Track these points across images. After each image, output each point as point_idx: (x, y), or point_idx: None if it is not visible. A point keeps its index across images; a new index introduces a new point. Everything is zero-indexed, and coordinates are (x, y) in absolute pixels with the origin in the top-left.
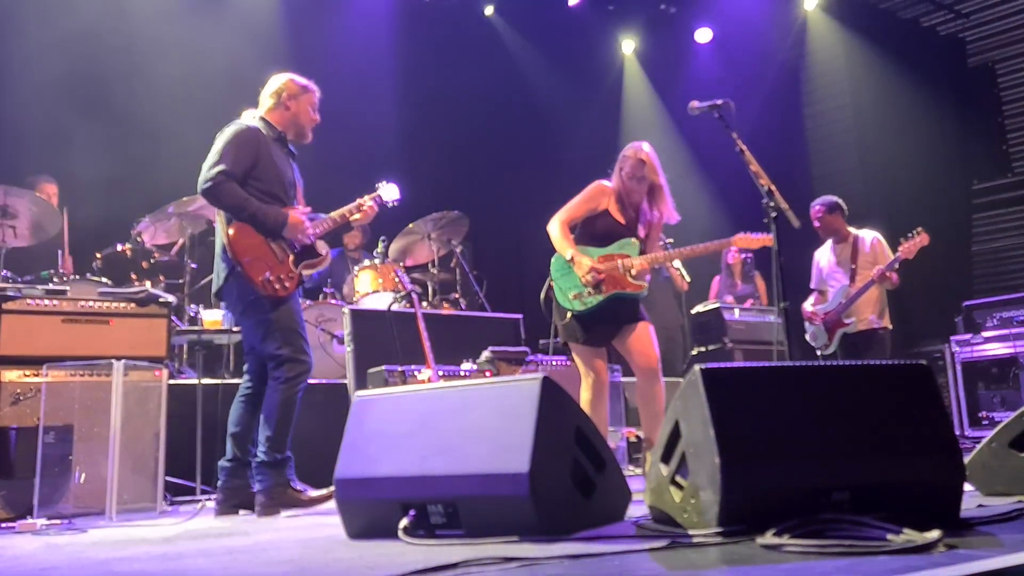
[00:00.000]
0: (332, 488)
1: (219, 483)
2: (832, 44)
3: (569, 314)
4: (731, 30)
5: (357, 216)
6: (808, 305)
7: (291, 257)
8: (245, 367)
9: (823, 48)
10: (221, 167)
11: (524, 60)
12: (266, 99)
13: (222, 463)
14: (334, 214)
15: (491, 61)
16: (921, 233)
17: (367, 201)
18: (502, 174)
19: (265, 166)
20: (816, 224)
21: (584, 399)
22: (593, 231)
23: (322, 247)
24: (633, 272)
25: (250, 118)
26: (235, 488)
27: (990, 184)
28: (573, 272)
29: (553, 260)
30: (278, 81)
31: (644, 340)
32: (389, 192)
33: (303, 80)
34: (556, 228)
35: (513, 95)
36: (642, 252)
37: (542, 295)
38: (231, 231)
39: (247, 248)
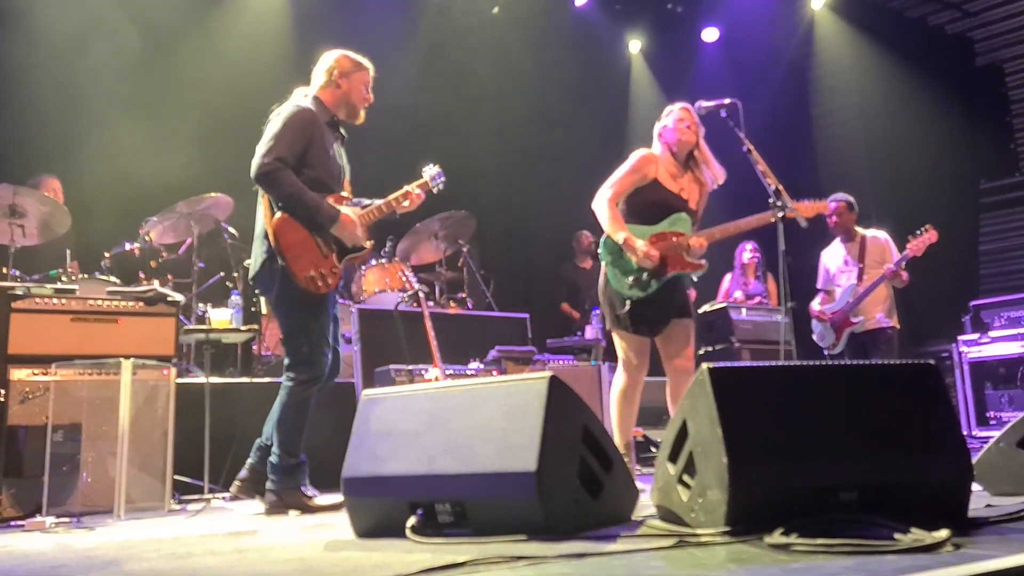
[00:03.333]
0: (340, 500)
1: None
2: (839, 43)
3: (628, 303)
4: (738, 29)
5: (405, 204)
6: (815, 304)
7: (335, 252)
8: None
9: (830, 47)
10: (277, 153)
11: (531, 59)
12: (318, 76)
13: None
14: (380, 203)
15: (498, 60)
16: (930, 230)
17: (414, 188)
18: (509, 173)
19: (317, 152)
20: (833, 221)
21: (618, 387)
22: (641, 205)
23: (365, 239)
24: (691, 251)
25: (302, 97)
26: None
27: (998, 183)
28: (626, 255)
29: (602, 242)
30: (330, 58)
31: (687, 340)
32: (433, 176)
33: (357, 56)
34: (603, 207)
35: (520, 94)
36: (694, 225)
37: (600, 282)
38: (276, 219)
39: (292, 242)
